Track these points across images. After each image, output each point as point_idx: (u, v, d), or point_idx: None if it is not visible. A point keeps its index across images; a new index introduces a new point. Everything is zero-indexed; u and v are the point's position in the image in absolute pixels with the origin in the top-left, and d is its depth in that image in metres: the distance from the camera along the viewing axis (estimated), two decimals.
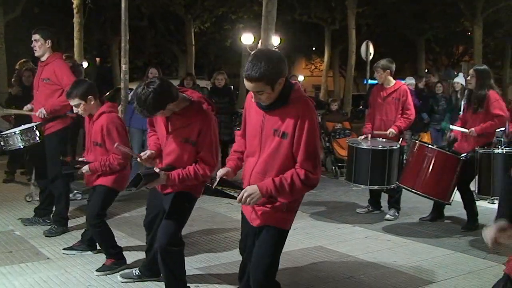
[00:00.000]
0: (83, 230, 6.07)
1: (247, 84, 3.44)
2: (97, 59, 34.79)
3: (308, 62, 45.91)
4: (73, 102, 5.29)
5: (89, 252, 5.88)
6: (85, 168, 5.34)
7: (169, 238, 4.34)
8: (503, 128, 8.11)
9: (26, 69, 10.09)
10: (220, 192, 3.68)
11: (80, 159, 5.57)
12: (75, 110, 5.40)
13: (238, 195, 3.56)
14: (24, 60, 10.90)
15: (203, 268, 5.49)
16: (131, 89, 10.36)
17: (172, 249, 4.38)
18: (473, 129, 6.88)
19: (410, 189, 6.83)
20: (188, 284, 4.68)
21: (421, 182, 6.72)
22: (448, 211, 7.49)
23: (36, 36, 6.63)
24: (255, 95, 3.50)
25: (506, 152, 6.59)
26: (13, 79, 10.56)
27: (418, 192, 6.79)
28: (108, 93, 18.30)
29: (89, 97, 5.28)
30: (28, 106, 6.98)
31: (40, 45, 6.63)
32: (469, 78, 6.89)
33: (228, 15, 25.29)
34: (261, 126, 3.62)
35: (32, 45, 6.67)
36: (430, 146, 7.02)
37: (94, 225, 5.36)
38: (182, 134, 4.30)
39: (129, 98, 10.01)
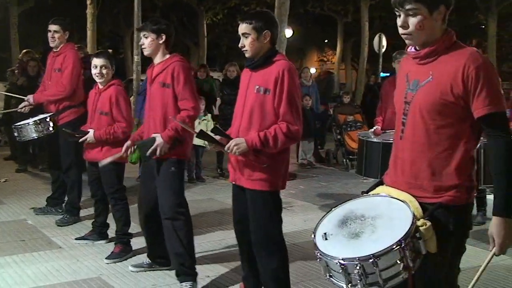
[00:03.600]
0: (93, 220, 6.11)
1: (240, 26, 3.89)
2: (110, 50, 34.94)
3: (320, 54, 45.77)
4: (101, 62, 5.43)
5: (101, 242, 5.94)
6: (90, 136, 5.43)
7: (172, 209, 4.61)
8: None
9: (31, 59, 10.12)
10: (211, 137, 4.05)
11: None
12: (97, 71, 5.43)
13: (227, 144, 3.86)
14: (27, 50, 10.93)
15: (213, 258, 5.52)
16: (143, 80, 10.39)
17: (179, 217, 4.63)
18: None
19: None
20: (198, 274, 4.72)
21: None
22: None
23: (55, 27, 6.66)
24: (241, 39, 3.89)
25: None
26: (15, 70, 10.56)
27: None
28: None
29: (113, 67, 5.52)
30: (29, 98, 6.86)
31: (59, 36, 6.67)
32: None
33: (241, 7, 25.20)
34: (247, 85, 3.97)
35: (50, 35, 6.68)
36: None
37: (117, 198, 5.49)
38: None
39: (140, 89, 10.03)
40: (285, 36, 11.15)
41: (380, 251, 2.46)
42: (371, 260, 2.45)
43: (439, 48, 2.67)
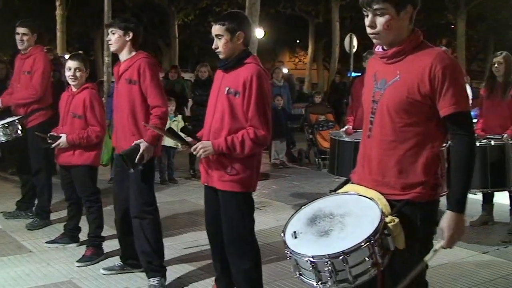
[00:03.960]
0: (65, 223, 6.04)
1: (213, 28, 3.88)
2: (80, 51, 34.61)
3: (292, 55, 45.88)
4: (76, 64, 5.39)
5: (72, 245, 5.88)
6: (62, 141, 5.37)
7: (139, 208, 4.65)
8: None
9: None
10: (180, 136, 4.09)
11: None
12: (71, 73, 5.39)
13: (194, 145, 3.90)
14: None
15: (185, 259, 5.50)
16: (113, 82, 10.31)
17: (146, 216, 4.67)
18: (506, 134, 6.18)
19: None
20: (170, 275, 4.70)
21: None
22: None
23: (23, 30, 6.57)
24: (215, 41, 3.88)
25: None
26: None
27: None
28: None
29: (87, 70, 5.50)
30: None
31: (28, 38, 6.59)
32: (496, 65, 6.38)
33: (212, 8, 25.20)
34: (219, 86, 3.95)
35: (19, 38, 6.58)
36: None
37: (92, 200, 5.47)
38: None
39: (111, 91, 9.96)
40: (256, 37, 11.16)
41: (349, 248, 2.49)
42: (341, 257, 2.48)
43: (406, 48, 2.72)
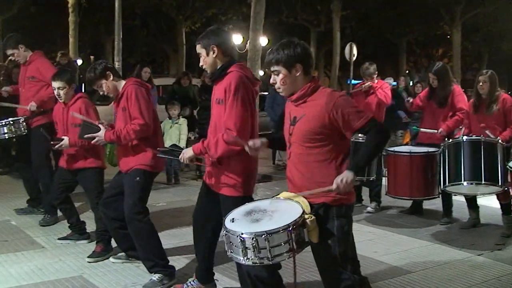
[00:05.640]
0: (68, 224, 6.08)
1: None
2: (91, 57, 34.59)
3: None
4: (58, 84, 5.49)
5: (83, 241, 5.90)
6: (65, 142, 5.40)
7: (128, 210, 4.67)
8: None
9: (15, 66, 10.00)
10: (169, 152, 4.50)
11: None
12: (56, 92, 5.52)
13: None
14: (11, 58, 10.80)
15: (191, 258, 5.49)
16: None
17: (134, 221, 4.68)
18: (441, 129, 6.79)
19: (403, 198, 6.86)
20: (178, 274, 4.71)
21: (411, 188, 6.53)
22: (426, 205, 7.54)
23: (10, 51, 6.78)
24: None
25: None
26: (1, 77, 10.42)
27: (411, 198, 7.01)
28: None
29: (72, 84, 5.58)
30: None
31: (18, 54, 6.76)
32: (481, 83, 6.44)
33: (218, 16, 25.23)
34: (212, 100, 4.14)
35: (13, 58, 6.87)
36: (403, 153, 6.62)
37: (98, 203, 5.39)
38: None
39: None
40: (260, 45, 11.16)
41: (271, 229, 3.04)
42: (263, 236, 3.01)
43: (305, 94, 3.37)
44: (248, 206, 3.39)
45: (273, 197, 3.51)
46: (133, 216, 4.68)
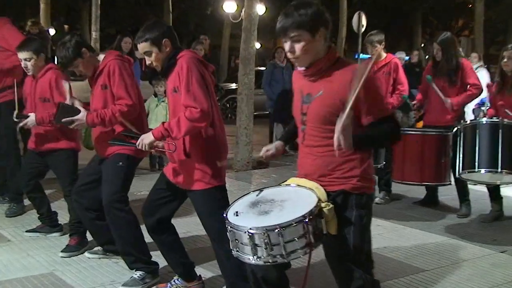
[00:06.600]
0: (38, 215, 6.06)
1: (139, 48, 4.16)
2: (65, 26, 34.46)
3: None
4: (24, 55, 5.44)
5: (55, 234, 5.89)
6: (31, 119, 5.36)
7: (107, 197, 4.66)
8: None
9: None
10: (124, 139, 4.44)
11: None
12: (23, 64, 5.49)
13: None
14: None
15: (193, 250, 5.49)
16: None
17: (114, 210, 4.67)
18: (448, 99, 6.69)
19: (413, 183, 6.81)
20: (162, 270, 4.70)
21: (422, 173, 6.55)
22: (441, 195, 7.55)
23: None
24: (146, 59, 4.17)
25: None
26: None
27: (422, 184, 6.93)
28: None
29: (41, 54, 5.52)
30: None
31: None
32: (505, 60, 6.44)
33: None
34: (168, 93, 4.25)
35: None
36: (411, 132, 6.69)
37: (71, 191, 5.37)
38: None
39: None
40: (257, 14, 11.07)
41: (285, 222, 2.91)
42: (277, 230, 2.89)
43: (324, 67, 3.22)
44: (251, 196, 3.28)
45: (280, 184, 3.42)
46: (112, 205, 4.65)
